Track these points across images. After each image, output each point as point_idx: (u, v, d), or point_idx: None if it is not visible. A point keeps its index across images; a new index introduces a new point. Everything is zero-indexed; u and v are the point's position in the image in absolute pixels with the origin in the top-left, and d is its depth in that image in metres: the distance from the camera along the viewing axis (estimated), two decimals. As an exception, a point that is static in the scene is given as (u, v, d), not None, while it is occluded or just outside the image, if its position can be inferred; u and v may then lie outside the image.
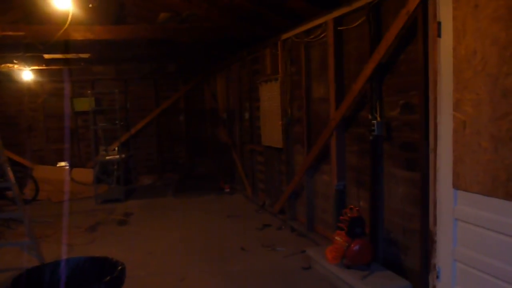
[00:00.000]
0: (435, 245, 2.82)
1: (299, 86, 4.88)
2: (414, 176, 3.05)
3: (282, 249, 4.41)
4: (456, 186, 2.60)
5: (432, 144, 2.77)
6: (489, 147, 2.33)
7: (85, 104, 8.11)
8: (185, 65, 9.11)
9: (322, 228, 4.61)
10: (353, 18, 3.73)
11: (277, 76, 5.38)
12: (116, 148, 7.67)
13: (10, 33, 4.62)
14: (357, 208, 3.43)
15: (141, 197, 7.60)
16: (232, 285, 3.64)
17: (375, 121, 3.38)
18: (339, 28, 3.95)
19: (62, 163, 8.28)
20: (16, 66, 6.77)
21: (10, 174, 3.82)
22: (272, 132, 5.74)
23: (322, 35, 4.25)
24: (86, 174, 7.98)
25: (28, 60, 6.32)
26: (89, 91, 7.83)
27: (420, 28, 2.86)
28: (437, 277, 2.82)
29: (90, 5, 4.65)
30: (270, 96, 5.71)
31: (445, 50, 2.62)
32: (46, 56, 6.37)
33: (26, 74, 7.65)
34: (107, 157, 7.43)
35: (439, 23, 2.66)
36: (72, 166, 8.27)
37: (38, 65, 6.80)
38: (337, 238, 3.44)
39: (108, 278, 2.42)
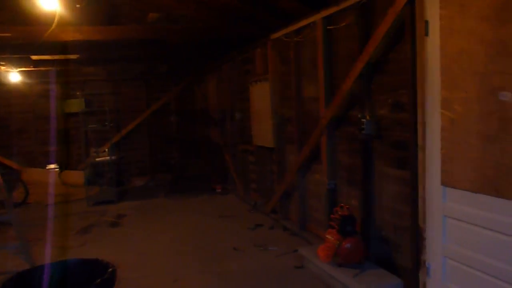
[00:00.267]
0: (425, 242, 2.85)
1: (289, 86, 4.89)
2: (404, 174, 3.08)
3: (274, 248, 4.41)
4: (445, 183, 2.63)
5: (421, 142, 2.80)
6: (477, 145, 2.36)
7: (75, 105, 8.05)
8: (176, 66, 9.08)
9: (314, 227, 4.63)
10: (342, 17, 3.75)
11: (267, 76, 5.38)
12: (107, 150, 7.62)
13: (-4, 34, 4.58)
14: (348, 207, 3.45)
15: (134, 198, 7.56)
16: (226, 285, 3.64)
17: (365, 120, 3.40)
18: (328, 27, 3.97)
19: (52, 166, 8.21)
20: (3, 67, 6.70)
21: (-1, 178, 3.79)
22: (263, 132, 5.74)
23: (312, 34, 4.27)
24: (76, 176, 7.93)
25: (15, 62, 6.25)
26: (78, 93, 7.76)
27: (408, 27, 2.88)
28: (427, 273, 2.85)
29: (78, 5, 4.62)
30: (261, 96, 5.71)
31: (432, 49, 2.65)
32: (34, 57, 6.31)
33: (14, 75, 7.57)
34: (98, 159, 7.39)
35: (426, 22, 2.68)
36: (62, 168, 8.20)
37: (26, 67, 6.73)
38: (328, 236, 3.46)
39: (98, 280, 2.41)
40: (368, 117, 3.39)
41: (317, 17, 4.06)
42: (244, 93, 6.54)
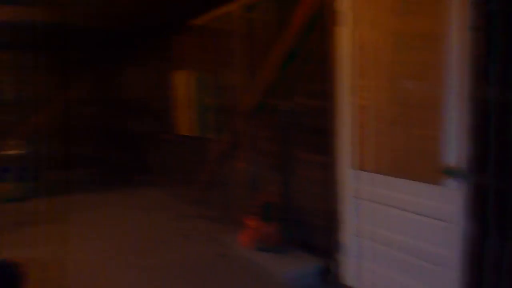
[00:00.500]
0: (341, 224, 3.02)
1: (210, 74, 4.84)
2: (321, 160, 3.21)
3: (198, 238, 4.39)
4: (357, 167, 2.79)
5: (336, 128, 2.93)
6: (385, 130, 2.53)
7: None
8: (93, 54, 8.57)
9: (238, 214, 4.67)
10: (262, 5, 3.78)
11: (189, 64, 5.29)
12: (16, 143, 7.02)
13: None
14: (269, 193, 3.53)
15: (49, 194, 7.06)
16: (149, 277, 3.55)
17: (284, 108, 3.48)
18: (248, 15, 3.98)
19: None
20: None
21: None
22: (186, 121, 5.65)
23: (232, 22, 4.25)
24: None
25: None
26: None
27: (323, 17, 2.97)
28: (344, 253, 3.02)
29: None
30: (183, 85, 5.61)
31: (345, 38, 2.77)
32: None
33: None
34: (5, 153, 6.78)
35: (339, 13, 2.80)
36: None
37: None
38: (251, 222, 3.51)
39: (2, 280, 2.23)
40: (287, 105, 3.47)
41: (237, 4, 4.06)
42: (166, 82, 6.37)
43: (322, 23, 2.98)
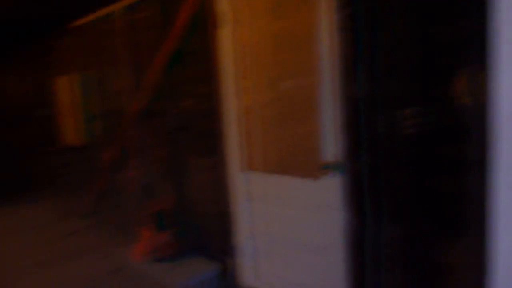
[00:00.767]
0: (235, 226, 3.00)
1: (96, 79, 4.53)
2: (212, 162, 3.17)
3: (89, 254, 4.06)
4: (247, 168, 2.80)
5: (223, 130, 2.91)
6: (269, 130, 2.56)
7: None
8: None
9: (133, 225, 4.43)
10: (145, 6, 3.62)
11: (72, 68, 4.89)
12: None
13: None
14: (162, 200, 3.40)
15: None
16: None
17: (172, 112, 3.37)
18: (131, 15, 3.79)
19: None
20: None
21: None
22: (72, 129, 5.22)
23: (116, 23, 4.02)
24: None
25: None
26: None
27: (205, 18, 2.94)
28: (240, 255, 3.01)
29: None
30: (66, 90, 5.17)
31: (226, 40, 2.76)
32: None
33: None
34: None
35: (220, 14, 2.78)
36: None
37: None
38: (144, 233, 3.34)
39: None
40: (174, 109, 3.37)
41: (120, 4, 3.84)
42: (48, 88, 5.82)
43: (204, 24, 2.94)
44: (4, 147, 7.89)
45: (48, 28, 5.18)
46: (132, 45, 3.85)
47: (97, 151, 4.85)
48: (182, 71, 3.34)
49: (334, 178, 2.26)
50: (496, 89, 1.22)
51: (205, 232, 3.40)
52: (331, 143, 2.24)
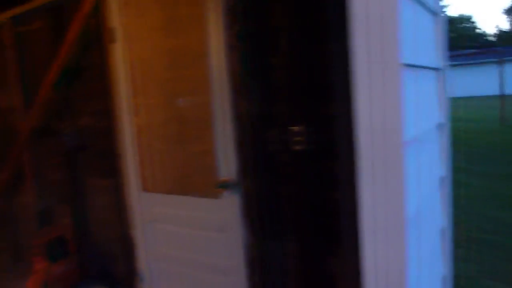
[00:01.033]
0: (136, 250, 2.86)
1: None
2: (111, 184, 3.00)
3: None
4: (144, 188, 2.69)
5: (120, 150, 2.77)
6: (165, 149, 2.49)
7: None
8: None
9: (29, 257, 4.05)
10: (35, 18, 3.37)
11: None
12: None
13: None
14: (57, 227, 3.14)
15: None
16: None
17: (68, 131, 3.15)
18: (20, 28, 3.51)
19: None
20: None
21: None
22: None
23: (4, 35, 3.69)
24: None
25: None
26: None
27: (97, 34, 2.79)
28: (141, 280, 2.86)
29: None
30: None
31: (120, 56, 2.65)
32: None
33: None
34: None
35: (112, 29, 2.66)
36: None
37: None
38: (36, 265, 3.06)
39: None
40: (70, 128, 3.16)
41: (5, 15, 3.53)
42: None
43: (99, 39, 2.80)
44: None
45: None
46: (24, 59, 3.55)
47: (-14, 175, 4.39)
48: (79, 88, 3.15)
49: (233, 197, 2.24)
50: (358, 109, 1.28)
51: (108, 258, 3.20)
52: (227, 162, 2.22)
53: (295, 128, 1.90)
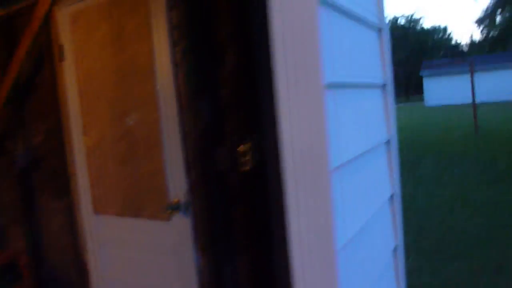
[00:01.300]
0: (89, 275, 2.73)
1: None
2: (64, 206, 2.87)
3: None
4: (97, 211, 2.58)
5: (72, 169, 2.67)
6: (115, 169, 2.39)
7: None
8: None
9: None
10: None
11: None
12: None
13: None
14: (9, 251, 2.99)
15: None
16: None
17: (19, 151, 3.02)
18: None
19: None
20: None
21: None
22: None
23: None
24: None
25: None
26: None
27: (48, 51, 2.70)
28: (96, 306, 2.73)
29: None
30: None
31: (70, 73, 2.56)
32: None
33: None
34: None
35: (61, 46, 2.57)
36: None
37: None
38: (-16, 293, 2.89)
39: None
40: (22, 148, 3.03)
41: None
42: None
43: (47, 57, 2.70)
44: None
45: None
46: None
47: None
48: (31, 106, 3.03)
49: (184, 218, 2.15)
50: (281, 132, 1.23)
51: (63, 283, 3.05)
52: (177, 182, 2.14)
53: (242, 148, 1.84)
